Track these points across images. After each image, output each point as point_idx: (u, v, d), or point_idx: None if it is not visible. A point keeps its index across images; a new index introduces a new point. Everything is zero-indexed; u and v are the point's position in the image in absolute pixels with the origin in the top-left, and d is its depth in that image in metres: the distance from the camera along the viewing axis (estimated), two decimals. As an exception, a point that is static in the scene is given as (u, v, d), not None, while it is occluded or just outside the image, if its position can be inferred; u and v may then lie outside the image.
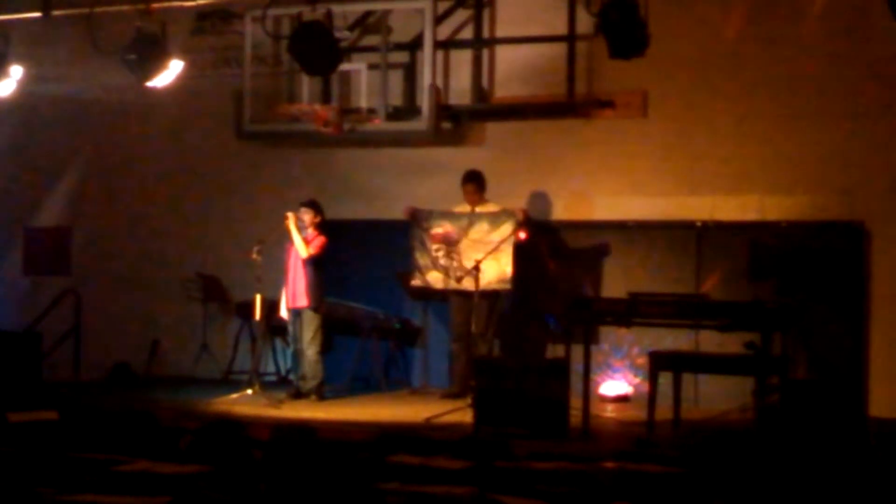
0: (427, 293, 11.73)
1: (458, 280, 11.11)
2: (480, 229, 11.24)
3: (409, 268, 11.60)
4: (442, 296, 11.57)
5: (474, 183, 11.42)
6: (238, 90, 12.48)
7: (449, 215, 11.47)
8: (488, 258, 10.72)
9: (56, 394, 10.78)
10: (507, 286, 11.08)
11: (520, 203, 11.69)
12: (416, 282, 11.58)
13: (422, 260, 11.50)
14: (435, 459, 7.25)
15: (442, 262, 11.31)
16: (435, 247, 11.40)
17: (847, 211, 11.01)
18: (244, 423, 8.72)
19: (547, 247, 11.81)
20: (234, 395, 11.07)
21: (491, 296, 11.03)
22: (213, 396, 11.17)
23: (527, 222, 11.26)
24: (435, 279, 11.44)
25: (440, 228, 11.41)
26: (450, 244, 11.29)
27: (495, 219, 11.24)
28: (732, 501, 6.29)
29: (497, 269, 11.00)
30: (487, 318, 11.06)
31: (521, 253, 11.18)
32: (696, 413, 10.14)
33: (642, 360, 10.63)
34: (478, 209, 11.38)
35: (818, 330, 10.62)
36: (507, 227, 11.12)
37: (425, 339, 12.26)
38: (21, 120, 13.81)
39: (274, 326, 11.90)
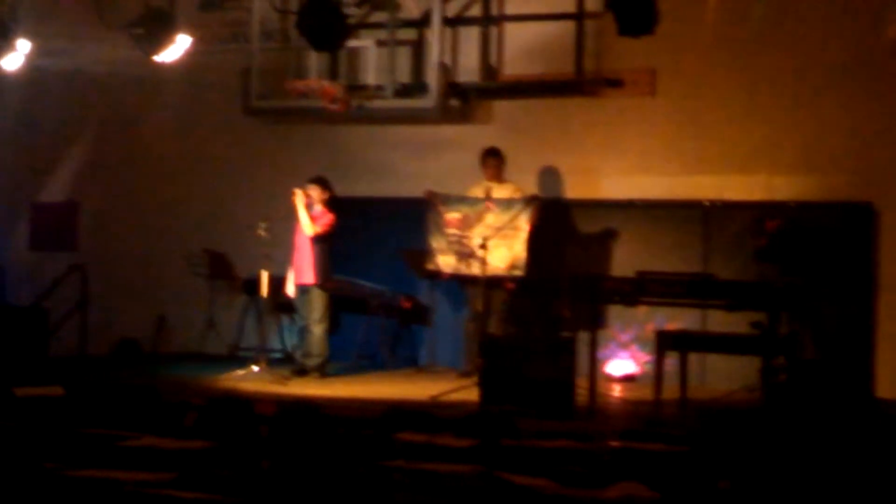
0: (436, 274, 11.69)
1: (468, 257, 11.04)
2: (497, 216, 11.11)
3: (416, 247, 11.56)
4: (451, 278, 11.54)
5: (496, 158, 11.36)
6: (245, 66, 12.43)
7: (466, 200, 11.37)
8: (500, 245, 10.67)
9: (62, 369, 10.80)
10: (519, 272, 11.03)
11: (526, 181, 11.66)
12: (429, 265, 11.52)
13: (435, 243, 11.44)
14: (441, 437, 7.24)
15: (456, 246, 11.24)
16: (451, 231, 11.33)
17: (855, 191, 10.98)
18: (250, 400, 8.71)
19: (555, 228, 11.75)
20: (240, 372, 11.09)
21: (504, 279, 11.00)
22: (219, 373, 11.19)
23: (540, 209, 11.19)
24: (446, 263, 11.38)
25: (457, 213, 11.34)
26: (466, 228, 11.21)
27: (511, 207, 11.09)
28: (738, 481, 6.27)
29: (508, 255, 10.97)
30: (503, 300, 11.06)
31: (531, 236, 11.13)
32: (702, 393, 10.15)
33: (649, 340, 10.59)
34: (494, 193, 11.24)
35: (825, 310, 10.60)
36: (523, 218, 11.01)
37: (432, 317, 12.24)
38: (28, 94, 13.77)
39: (280, 303, 11.90)
